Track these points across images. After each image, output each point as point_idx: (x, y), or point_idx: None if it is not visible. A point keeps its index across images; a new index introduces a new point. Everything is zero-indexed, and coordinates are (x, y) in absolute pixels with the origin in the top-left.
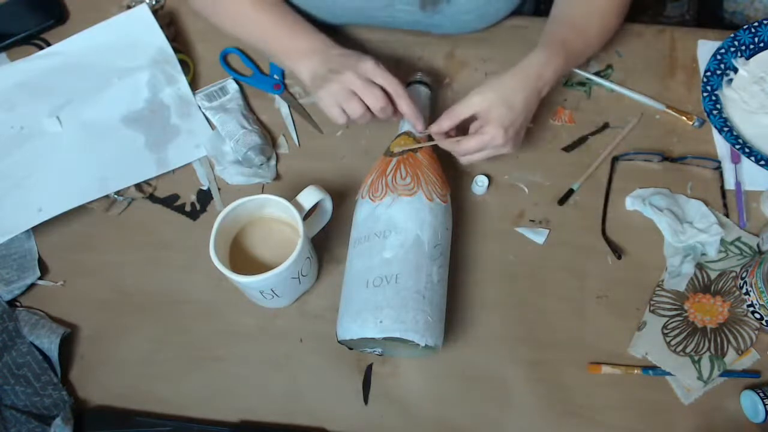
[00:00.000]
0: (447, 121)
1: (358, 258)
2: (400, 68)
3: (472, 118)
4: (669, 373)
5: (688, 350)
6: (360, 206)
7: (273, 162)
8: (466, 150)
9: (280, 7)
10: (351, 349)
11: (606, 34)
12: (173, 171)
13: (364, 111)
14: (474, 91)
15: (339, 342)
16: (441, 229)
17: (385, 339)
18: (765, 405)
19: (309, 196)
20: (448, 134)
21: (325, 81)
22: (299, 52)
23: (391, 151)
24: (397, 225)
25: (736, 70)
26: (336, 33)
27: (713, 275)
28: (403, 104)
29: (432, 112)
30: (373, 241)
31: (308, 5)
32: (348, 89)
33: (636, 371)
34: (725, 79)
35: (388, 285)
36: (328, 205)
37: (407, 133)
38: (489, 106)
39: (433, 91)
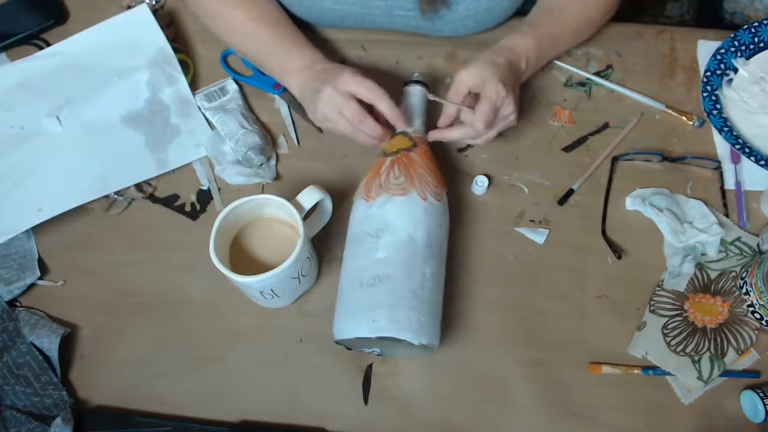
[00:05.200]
0: (453, 102)
1: (352, 258)
2: (400, 67)
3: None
4: (669, 373)
5: (688, 350)
6: (355, 207)
7: (273, 162)
8: (482, 118)
9: (277, 20)
10: (350, 349)
11: (588, 24)
12: (173, 171)
13: (353, 126)
14: (458, 72)
15: (336, 342)
16: (435, 228)
17: (379, 338)
18: (765, 405)
19: (309, 196)
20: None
21: (314, 103)
22: (290, 69)
23: (385, 151)
24: (389, 225)
25: (736, 70)
26: (336, 33)
27: (713, 275)
28: (383, 106)
29: (431, 111)
30: (366, 241)
31: (308, 14)
32: (332, 107)
33: (636, 371)
34: (725, 79)
35: (381, 284)
36: (328, 205)
37: (403, 133)
38: (479, 74)
39: (431, 90)
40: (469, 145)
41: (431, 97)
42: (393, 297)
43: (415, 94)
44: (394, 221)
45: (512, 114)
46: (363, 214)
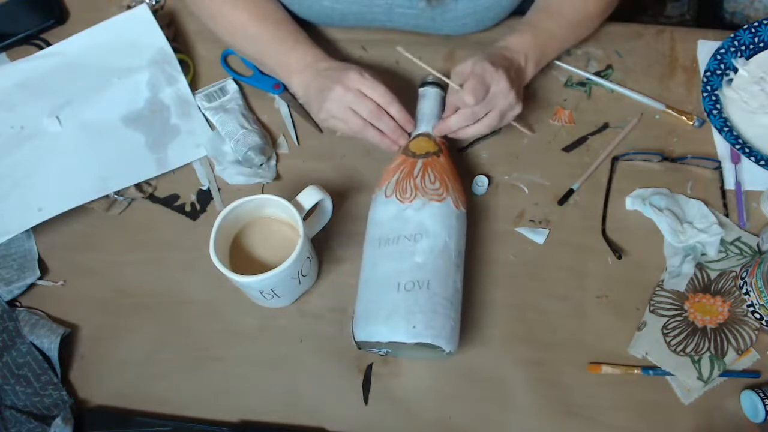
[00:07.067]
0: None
1: (385, 259)
2: (400, 67)
3: None
4: (669, 373)
5: (688, 350)
6: (383, 204)
7: (273, 162)
8: (469, 91)
9: (279, 19)
10: (360, 348)
11: (587, 19)
12: (173, 171)
13: (364, 123)
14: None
15: (356, 342)
16: (462, 237)
17: (414, 344)
18: (765, 405)
19: (309, 196)
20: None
21: (320, 101)
22: (293, 68)
23: (413, 152)
24: (428, 230)
25: (736, 70)
26: (336, 33)
27: (713, 275)
28: (393, 111)
29: None
30: (402, 243)
31: (308, 13)
32: (342, 105)
33: (636, 371)
34: (725, 79)
35: (420, 290)
36: (328, 205)
37: (426, 135)
38: (470, 63)
39: (446, 91)
40: (469, 145)
41: (433, 72)
42: (431, 303)
43: (432, 95)
44: (432, 227)
45: (511, 95)
46: (396, 214)
